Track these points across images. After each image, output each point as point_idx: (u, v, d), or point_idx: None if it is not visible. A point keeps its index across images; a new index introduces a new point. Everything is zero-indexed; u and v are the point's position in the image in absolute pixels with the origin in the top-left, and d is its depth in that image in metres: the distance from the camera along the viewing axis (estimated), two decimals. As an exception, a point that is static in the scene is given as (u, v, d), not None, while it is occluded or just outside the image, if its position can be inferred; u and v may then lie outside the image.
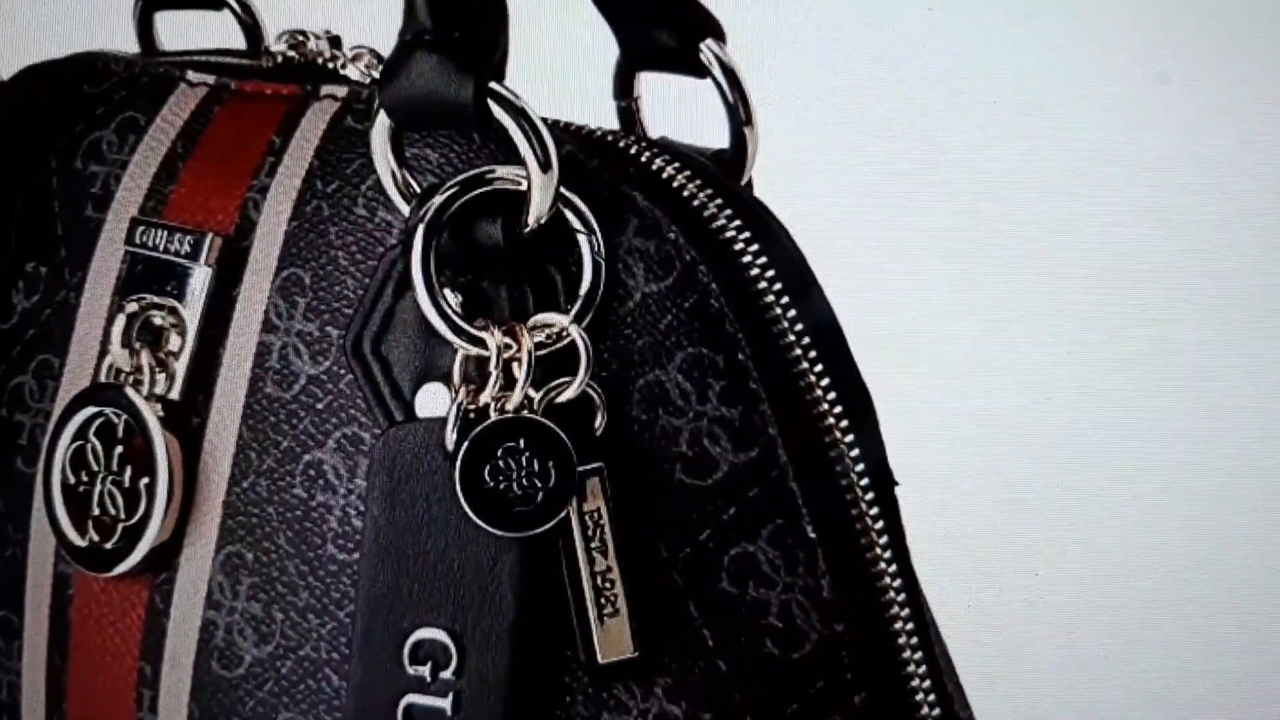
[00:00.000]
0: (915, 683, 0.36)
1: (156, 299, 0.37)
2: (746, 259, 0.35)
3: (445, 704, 0.34)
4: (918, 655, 0.36)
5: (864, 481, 0.36)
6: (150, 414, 0.37)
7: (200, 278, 0.37)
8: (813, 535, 0.35)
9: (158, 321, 0.37)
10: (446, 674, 0.34)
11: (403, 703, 0.34)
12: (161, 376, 0.37)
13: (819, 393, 0.36)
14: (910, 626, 0.36)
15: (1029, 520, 0.71)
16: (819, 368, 0.35)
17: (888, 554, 0.36)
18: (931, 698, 0.36)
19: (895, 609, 0.36)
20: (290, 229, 0.36)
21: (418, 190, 0.35)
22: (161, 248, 0.37)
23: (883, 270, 0.69)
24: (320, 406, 0.36)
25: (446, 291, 0.34)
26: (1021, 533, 0.71)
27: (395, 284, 0.35)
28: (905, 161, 0.69)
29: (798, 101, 0.69)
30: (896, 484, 0.36)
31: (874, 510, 0.36)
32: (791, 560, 0.35)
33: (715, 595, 0.35)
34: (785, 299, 0.35)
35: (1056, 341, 0.70)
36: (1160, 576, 0.70)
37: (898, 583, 0.36)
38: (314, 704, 0.36)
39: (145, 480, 0.37)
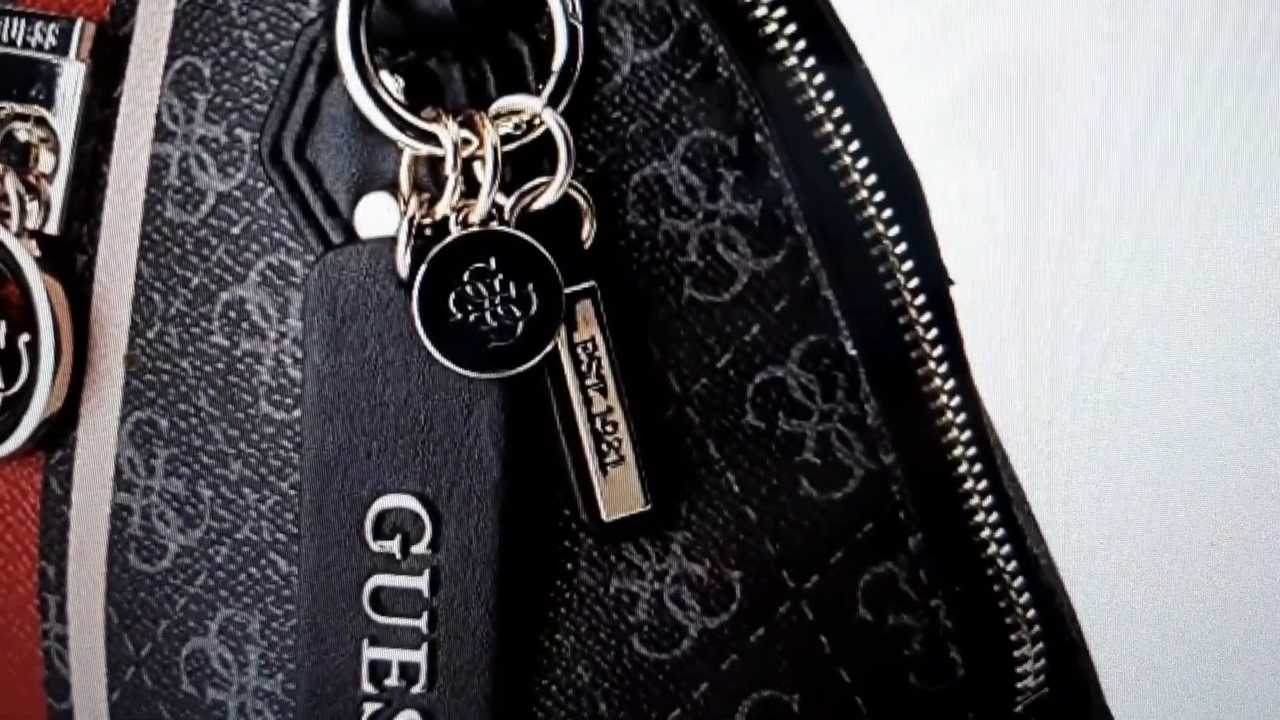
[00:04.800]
0: (980, 518, 0.34)
1: (19, 107, 0.35)
2: (760, 11, 0.33)
3: (421, 583, 0.32)
4: (981, 485, 0.34)
5: (913, 283, 0.34)
6: (23, 254, 0.34)
7: (71, 76, 0.35)
8: (853, 352, 0.33)
9: (23, 136, 0.35)
10: (420, 548, 0.32)
11: (369, 586, 0.32)
12: (33, 206, 0.35)
13: (856, 177, 0.33)
14: (972, 452, 0.34)
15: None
16: (855, 146, 0.33)
17: (943, 368, 0.34)
18: (1000, 533, 0.34)
19: (954, 433, 0.34)
20: (180, 7, 0.34)
21: (336, -56, 0.32)
22: (20, 41, 0.35)
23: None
24: (236, 231, 0.34)
25: (384, 75, 0.32)
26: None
27: (318, 69, 0.33)
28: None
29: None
30: (952, 283, 0.34)
31: (926, 317, 0.34)
32: (829, 384, 0.33)
33: (739, 431, 0.33)
34: (811, 61, 0.33)
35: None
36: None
37: (955, 401, 0.34)
38: (259, 596, 0.34)
39: (25, 338, 0.35)
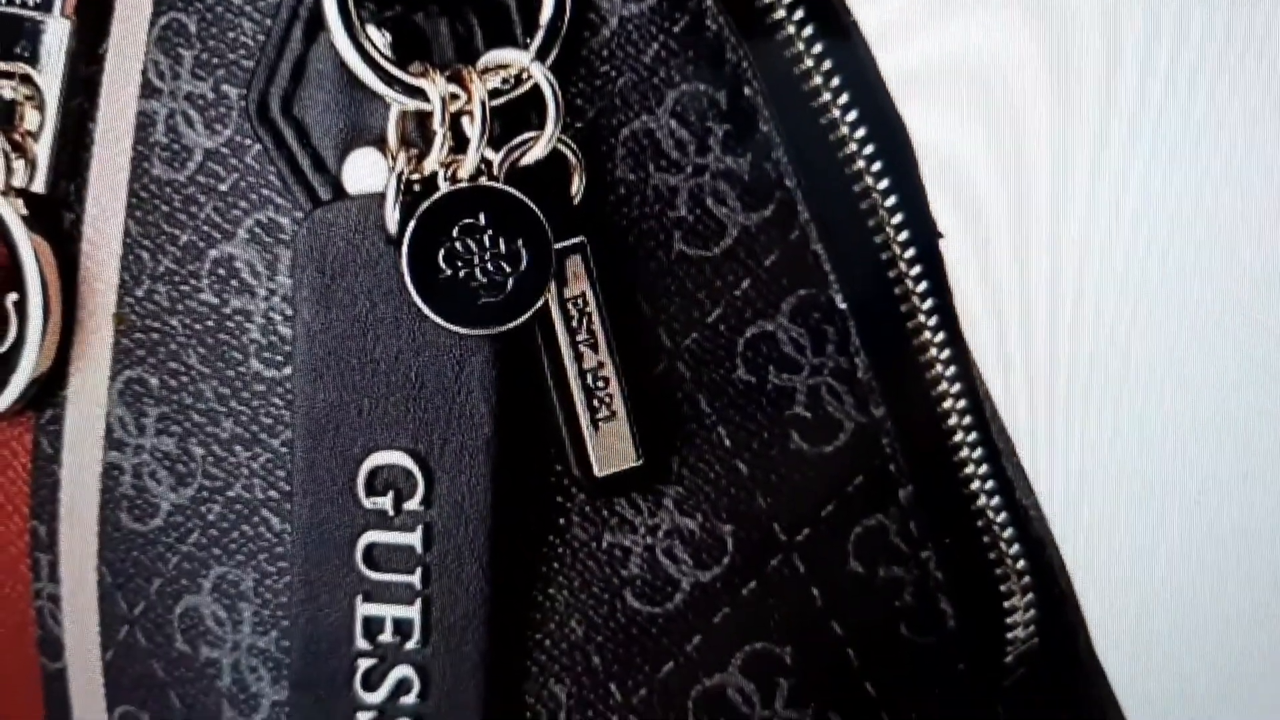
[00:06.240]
0: (970, 470, 0.34)
1: (3, 65, 0.34)
2: None
3: (414, 539, 0.32)
4: (971, 438, 0.34)
5: (903, 237, 0.33)
6: (10, 212, 0.34)
7: (56, 33, 0.34)
8: (843, 306, 0.33)
9: (8, 94, 0.34)
10: (412, 504, 0.32)
11: (361, 542, 0.32)
12: (20, 164, 0.34)
13: (845, 131, 0.33)
14: (962, 405, 0.34)
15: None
16: (844, 99, 0.33)
17: (933, 320, 0.34)
18: (990, 485, 0.34)
19: (944, 385, 0.34)
20: None
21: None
22: (3, -1, 0.35)
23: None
24: (224, 188, 0.33)
25: (371, 29, 0.31)
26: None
27: (304, 24, 0.32)
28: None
29: None
30: (941, 236, 0.34)
31: (915, 270, 0.33)
32: (819, 338, 0.33)
33: (730, 386, 0.33)
34: (800, 14, 0.33)
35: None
36: None
37: (945, 354, 0.34)
38: (252, 554, 0.33)
39: (13, 297, 0.34)
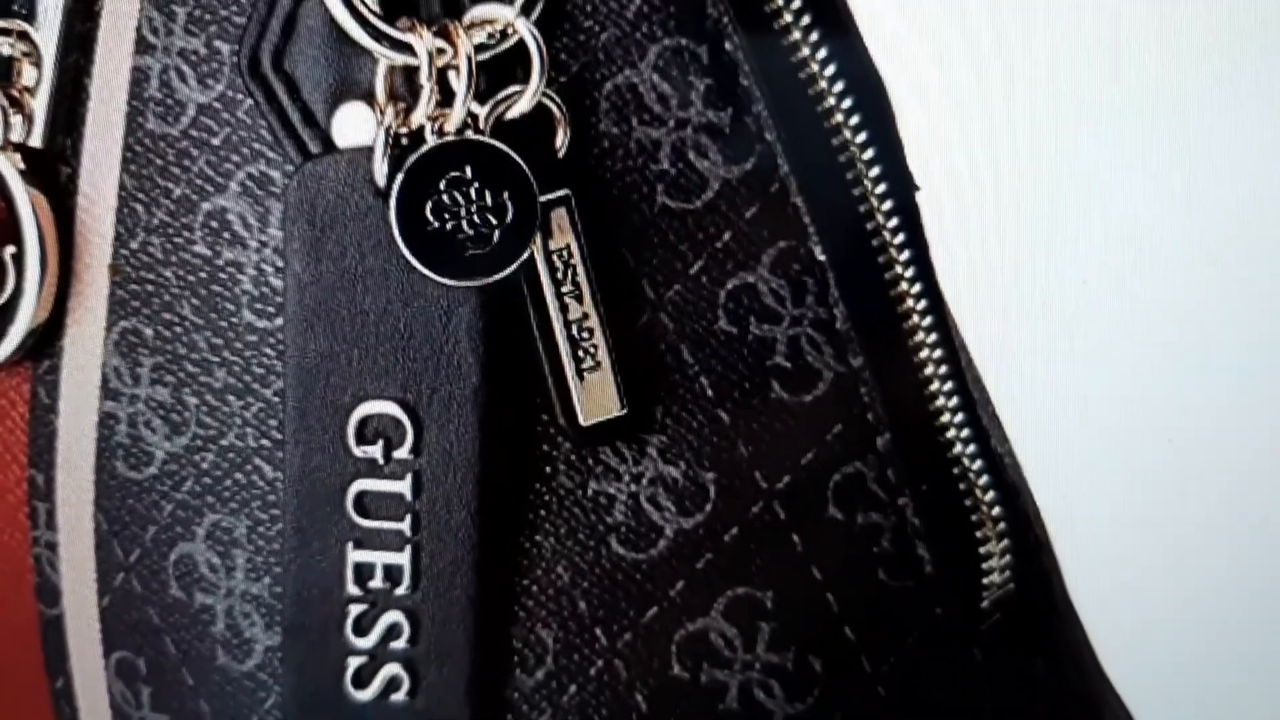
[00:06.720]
0: (946, 418, 0.34)
1: (1, 22, 0.34)
2: None
3: (404, 487, 0.32)
4: (948, 387, 0.34)
5: (880, 189, 0.33)
6: (7, 167, 0.34)
7: None
8: (822, 257, 0.33)
9: (5, 51, 0.34)
10: (402, 453, 0.32)
11: (352, 490, 0.32)
12: (17, 120, 0.34)
13: (823, 85, 0.33)
14: (939, 354, 0.34)
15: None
16: (822, 54, 0.33)
17: (909, 271, 0.34)
18: (965, 433, 0.34)
19: (920, 335, 0.34)
20: None
21: None
22: (-1, -43, 0.34)
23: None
24: (216, 142, 0.33)
25: None
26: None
27: None
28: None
29: None
30: (918, 188, 0.34)
31: (893, 222, 0.33)
32: (799, 288, 0.33)
33: (712, 336, 0.33)
34: None
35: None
36: None
37: (922, 304, 0.34)
38: (245, 501, 0.33)
39: (11, 249, 0.34)
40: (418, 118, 0.31)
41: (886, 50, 0.33)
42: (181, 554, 0.33)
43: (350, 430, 0.32)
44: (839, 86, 0.33)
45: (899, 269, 0.33)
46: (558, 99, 0.31)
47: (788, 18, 0.32)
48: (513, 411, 0.32)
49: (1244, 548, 0.65)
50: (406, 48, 0.30)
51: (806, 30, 0.33)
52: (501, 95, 0.31)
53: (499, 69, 0.31)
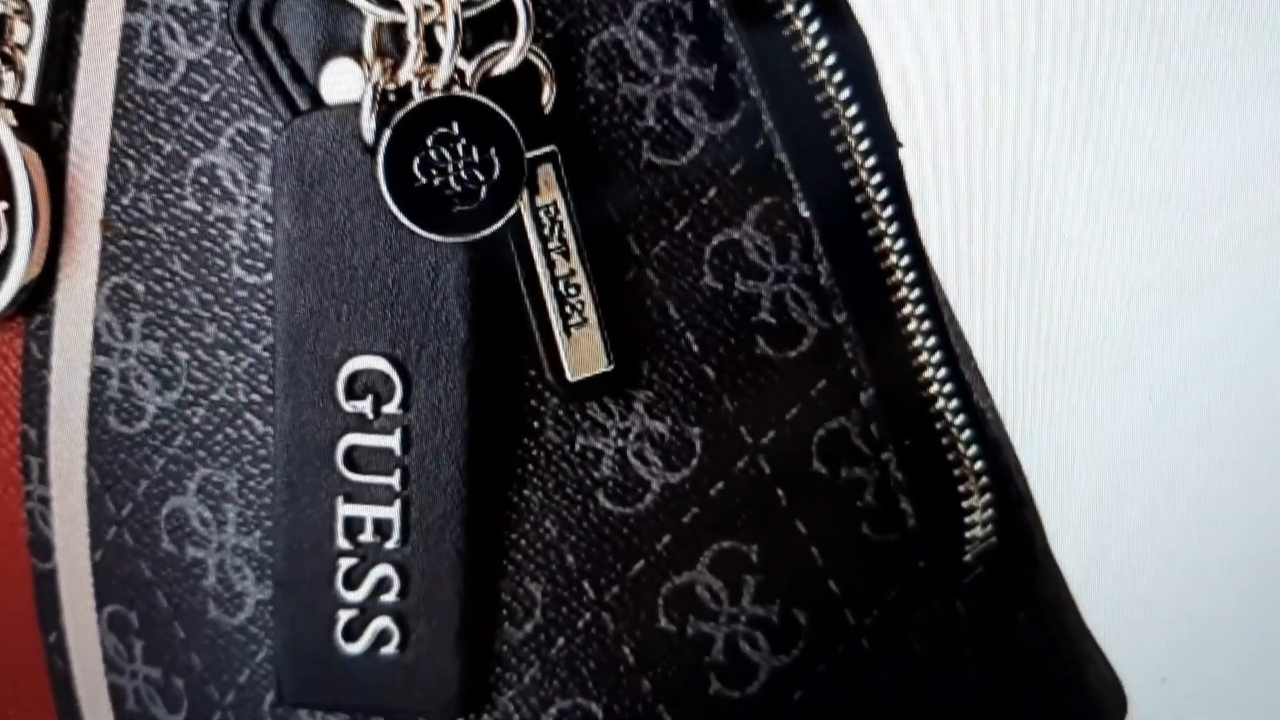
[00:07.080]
0: (929, 373, 0.34)
1: None
2: None
3: (393, 442, 0.32)
4: (930, 342, 0.34)
5: (864, 145, 0.33)
6: (0, 124, 0.33)
7: None
8: (806, 214, 0.33)
9: None
10: (391, 408, 0.31)
11: (342, 445, 0.32)
12: (9, 76, 0.34)
13: (808, 42, 0.33)
14: (921, 310, 0.34)
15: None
16: (806, 10, 0.32)
17: (893, 228, 0.34)
18: (948, 388, 0.34)
19: (904, 291, 0.34)
20: None
21: None
22: (-11, -85, 0.34)
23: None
24: (206, 99, 0.32)
25: None
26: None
27: None
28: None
29: None
30: (901, 145, 0.34)
31: (876, 178, 0.33)
32: (783, 245, 0.33)
33: (698, 292, 0.33)
34: None
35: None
36: None
37: (905, 260, 0.34)
38: (236, 455, 0.33)
39: (3, 206, 0.33)
40: (405, 74, 0.31)
41: (871, 6, 0.33)
42: (173, 508, 0.33)
43: (340, 385, 0.31)
44: (823, 44, 0.33)
45: (883, 225, 0.33)
46: (544, 55, 0.31)
47: None
48: (500, 367, 0.32)
49: (1227, 502, 0.65)
50: (394, 4, 0.30)
51: None
52: (488, 51, 0.31)
53: (485, 25, 0.31)
